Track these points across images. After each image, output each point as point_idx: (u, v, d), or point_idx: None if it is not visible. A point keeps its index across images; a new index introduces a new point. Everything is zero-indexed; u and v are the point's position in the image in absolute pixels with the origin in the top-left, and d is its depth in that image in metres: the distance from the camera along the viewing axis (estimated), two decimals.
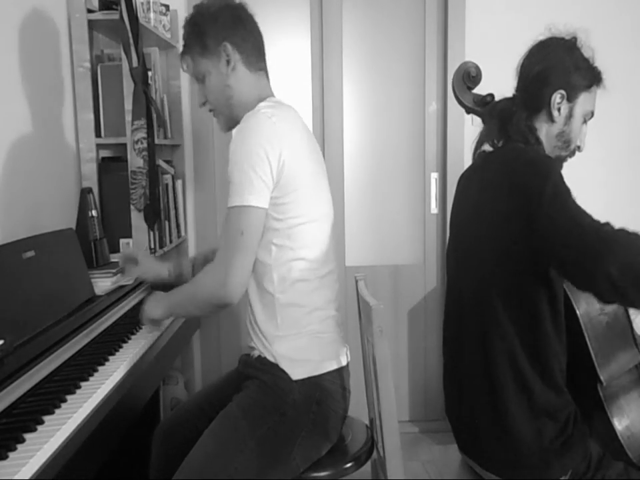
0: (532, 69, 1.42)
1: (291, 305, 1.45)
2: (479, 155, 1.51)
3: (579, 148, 1.48)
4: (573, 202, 1.24)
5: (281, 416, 1.40)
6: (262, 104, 1.45)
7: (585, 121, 1.47)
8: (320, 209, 1.49)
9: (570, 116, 1.43)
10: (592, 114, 1.47)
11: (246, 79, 1.53)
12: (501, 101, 1.49)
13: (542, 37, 1.46)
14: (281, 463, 1.38)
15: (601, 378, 1.36)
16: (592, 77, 1.43)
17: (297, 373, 1.43)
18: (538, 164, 1.30)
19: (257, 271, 1.45)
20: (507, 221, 1.30)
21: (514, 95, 1.47)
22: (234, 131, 1.43)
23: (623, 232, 1.21)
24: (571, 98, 1.41)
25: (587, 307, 1.37)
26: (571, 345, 1.29)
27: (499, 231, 1.32)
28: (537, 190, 1.25)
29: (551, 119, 1.42)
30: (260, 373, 1.46)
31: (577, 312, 1.35)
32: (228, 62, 1.50)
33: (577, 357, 1.28)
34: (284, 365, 1.44)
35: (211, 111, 1.58)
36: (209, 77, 1.52)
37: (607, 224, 1.22)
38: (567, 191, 1.25)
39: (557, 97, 1.40)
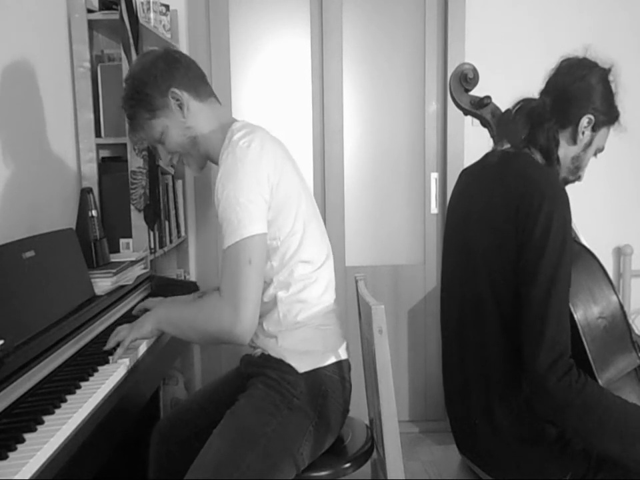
0: (571, 83, 1.41)
1: (292, 302, 1.46)
2: (488, 155, 1.48)
3: (579, 178, 1.50)
4: (567, 270, 1.27)
5: (289, 410, 1.41)
6: (235, 137, 1.41)
7: (595, 154, 1.48)
8: (307, 210, 1.50)
9: (589, 144, 1.44)
10: (603, 148, 1.48)
11: (201, 113, 1.52)
12: (530, 100, 1.46)
13: (577, 54, 1.46)
14: (291, 457, 1.39)
15: (599, 382, 1.36)
16: (614, 115, 1.45)
17: (302, 365, 1.44)
18: (548, 205, 1.27)
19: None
20: (509, 242, 1.32)
21: (543, 100, 1.43)
22: (219, 172, 1.40)
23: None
24: (595, 127, 1.42)
25: (584, 310, 1.36)
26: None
27: (501, 246, 1.33)
28: (539, 242, 1.26)
29: (574, 140, 1.43)
30: (265, 370, 1.47)
31: (575, 316, 1.35)
32: (180, 106, 1.49)
33: (575, 361, 1.28)
34: (289, 359, 1.45)
35: (178, 160, 1.58)
36: (167, 132, 1.51)
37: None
38: (565, 250, 1.26)
39: (585, 121, 1.41)
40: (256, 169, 1.37)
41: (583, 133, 1.42)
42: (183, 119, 1.50)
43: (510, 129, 1.45)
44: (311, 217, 1.52)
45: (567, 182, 1.50)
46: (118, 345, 1.46)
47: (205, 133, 1.52)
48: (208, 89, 1.56)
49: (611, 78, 1.43)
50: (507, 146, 1.45)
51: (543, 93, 1.46)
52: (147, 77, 1.49)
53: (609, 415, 1.26)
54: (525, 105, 1.45)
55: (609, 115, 1.43)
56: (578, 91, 1.40)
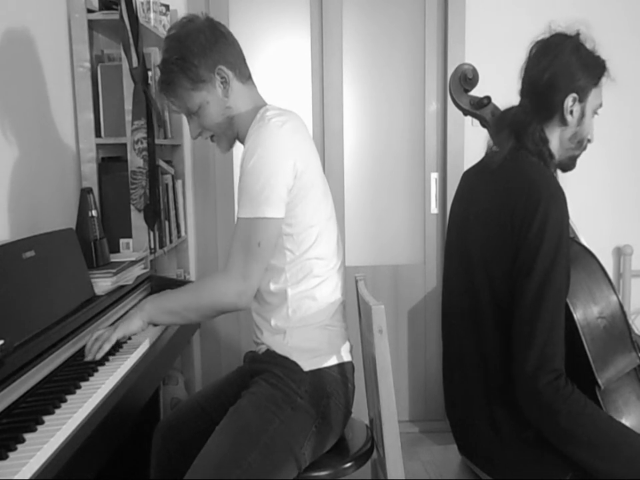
0: (541, 76, 1.38)
1: (302, 298, 1.46)
2: (488, 156, 1.48)
3: (589, 141, 1.47)
4: (562, 269, 1.27)
5: (292, 410, 1.40)
6: (269, 113, 1.42)
7: (594, 114, 1.45)
8: (327, 208, 1.51)
9: (582, 116, 1.42)
10: (601, 105, 1.45)
11: (241, 93, 1.50)
12: (510, 109, 1.45)
13: (543, 36, 1.43)
14: (293, 456, 1.38)
15: (599, 382, 1.36)
16: (599, 71, 1.41)
17: (307, 364, 1.44)
18: (544, 204, 1.27)
19: (270, 271, 1.46)
20: (507, 242, 1.32)
21: (522, 103, 1.43)
22: (247, 144, 1.40)
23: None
24: (582, 99, 1.40)
25: (584, 310, 1.36)
26: (568, 349, 1.29)
27: (499, 247, 1.33)
28: (534, 241, 1.26)
29: (564, 123, 1.41)
30: (270, 366, 1.46)
31: (574, 315, 1.35)
32: (223, 83, 1.47)
33: (575, 361, 1.28)
34: (295, 357, 1.45)
35: (207, 137, 1.56)
36: (206, 107, 1.48)
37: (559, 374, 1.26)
38: (561, 249, 1.26)
39: (569, 101, 1.39)
40: (284, 151, 1.38)
41: (572, 112, 1.40)
42: (225, 98, 1.48)
43: (497, 142, 1.44)
44: (329, 214, 1.52)
45: (576, 157, 1.48)
46: (117, 347, 1.45)
47: (242, 113, 1.50)
48: (247, 70, 1.54)
49: (582, 40, 1.41)
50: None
51: (520, 93, 1.45)
52: (195, 45, 1.44)
53: (592, 427, 1.26)
54: (503, 116, 1.45)
55: (593, 76, 1.40)
56: (554, 76, 1.37)
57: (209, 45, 1.45)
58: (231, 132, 1.53)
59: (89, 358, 1.40)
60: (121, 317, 1.76)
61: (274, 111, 1.44)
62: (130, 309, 1.83)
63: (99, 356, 1.39)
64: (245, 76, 1.52)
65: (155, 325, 1.52)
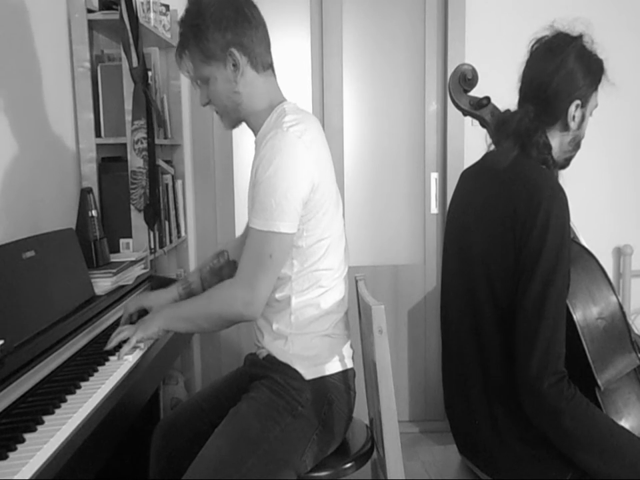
0: (548, 83, 1.37)
1: (306, 306, 1.45)
2: (488, 156, 1.47)
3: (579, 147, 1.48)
4: (564, 271, 1.28)
5: (293, 417, 1.40)
6: (287, 118, 1.39)
7: (590, 115, 1.45)
8: (338, 222, 1.50)
9: (582, 120, 1.42)
10: (596, 105, 1.45)
11: (255, 83, 1.45)
12: (514, 114, 1.42)
13: (545, 35, 1.42)
14: (293, 463, 1.38)
15: (599, 382, 1.36)
16: (599, 74, 1.41)
17: (309, 372, 1.44)
18: (546, 205, 1.27)
19: (277, 280, 1.43)
20: (508, 245, 1.31)
21: (525, 107, 1.40)
22: (262, 150, 1.37)
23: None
24: (584, 104, 1.40)
25: (583, 311, 1.36)
26: (568, 350, 1.29)
27: (500, 249, 1.33)
28: (537, 243, 1.26)
29: (566, 129, 1.41)
30: (270, 372, 1.45)
31: (574, 316, 1.35)
32: (235, 67, 1.42)
33: (574, 361, 1.28)
34: (296, 365, 1.44)
35: (214, 110, 1.53)
36: (214, 83, 1.44)
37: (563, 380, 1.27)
38: (563, 251, 1.26)
39: (572, 107, 1.39)
40: (302, 164, 1.36)
41: (574, 117, 1.40)
42: (234, 82, 1.43)
43: (501, 146, 1.42)
44: (339, 224, 1.50)
45: (571, 158, 1.48)
46: (119, 345, 1.46)
47: (252, 104, 1.47)
48: (268, 59, 1.48)
49: (586, 41, 1.40)
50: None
51: (523, 97, 1.43)
52: (212, 19, 1.38)
53: (594, 429, 1.26)
54: (506, 123, 1.41)
55: (595, 81, 1.40)
56: (561, 83, 1.37)
57: (226, 23, 1.39)
58: (236, 116, 1.50)
59: (108, 347, 1.46)
60: (121, 317, 1.76)
61: (292, 116, 1.40)
62: None
63: (121, 355, 1.43)
64: (263, 65, 1.46)
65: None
